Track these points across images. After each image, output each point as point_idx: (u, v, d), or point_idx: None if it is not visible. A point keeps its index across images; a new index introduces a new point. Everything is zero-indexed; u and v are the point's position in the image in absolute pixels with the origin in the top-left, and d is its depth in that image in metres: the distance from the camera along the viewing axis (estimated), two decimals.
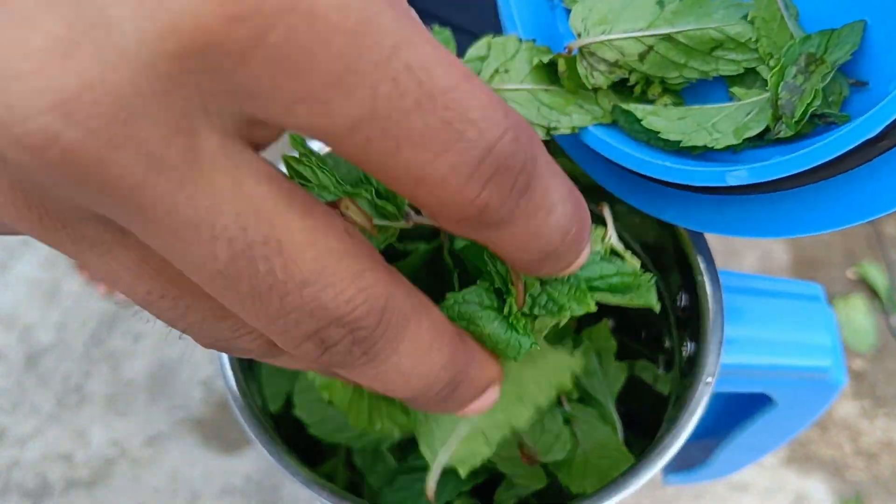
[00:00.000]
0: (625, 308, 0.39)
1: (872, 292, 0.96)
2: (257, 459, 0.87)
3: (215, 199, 0.14)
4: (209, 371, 0.92)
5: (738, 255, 0.99)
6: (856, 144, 0.21)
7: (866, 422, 0.89)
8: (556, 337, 0.34)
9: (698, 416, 0.30)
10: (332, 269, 0.16)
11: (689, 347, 0.32)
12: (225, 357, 0.33)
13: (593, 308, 0.22)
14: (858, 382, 0.91)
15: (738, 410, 0.39)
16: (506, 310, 0.22)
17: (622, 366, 0.35)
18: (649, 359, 0.38)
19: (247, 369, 0.35)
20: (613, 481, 0.29)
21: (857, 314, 0.93)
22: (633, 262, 0.24)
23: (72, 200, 0.15)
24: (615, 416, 0.35)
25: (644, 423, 0.38)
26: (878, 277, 0.96)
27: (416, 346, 0.18)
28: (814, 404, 0.35)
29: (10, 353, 0.94)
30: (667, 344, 0.35)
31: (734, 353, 0.31)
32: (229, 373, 0.33)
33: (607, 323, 0.36)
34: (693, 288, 0.32)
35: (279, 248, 0.15)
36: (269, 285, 0.16)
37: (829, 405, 0.35)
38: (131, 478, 0.87)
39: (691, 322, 0.32)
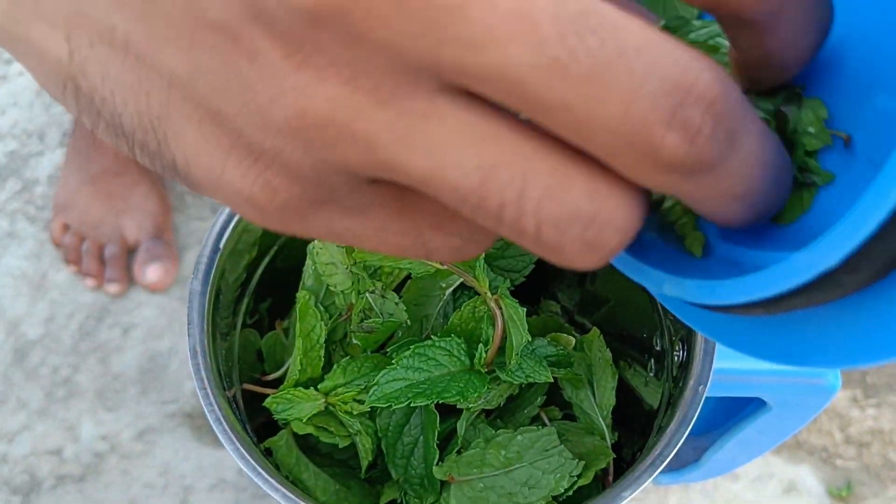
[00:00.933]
0: (615, 313, 0.39)
1: None
2: None
3: None
4: None
5: None
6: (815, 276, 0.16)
7: (856, 411, 0.89)
8: (554, 351, 0.34)
9: (690, 424, 0.29)
10: (652, 34, 0.14)
11: (680, 354, 0.32)
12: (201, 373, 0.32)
13: (550, 378, 0.22)
14: (848, 372, 0.91)
15: (731, 411, 0.38)
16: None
17: (612, 372, 0.35)
18: (639, 363, 0.37)
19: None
20: (611, 489, 0.29)
21: None
22: (569, 341, 0.25)
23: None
24: (603, 425, 0.34)
25: (636, 425, 0.37)
26: None
27: (757, 121, 0.16)
28: (808, 408, 0.34)
29: None
30: (657, 347, 0.35)
31: (728, 358, 0.31)
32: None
33: (597, 332, 0.35)
34: None
35: (598, 19, 0.14)
36: (604, 62, 0.14)
37: (823, 408, 0.35)
38: (122, 472, 0.87)
39: (683, 327, 0.32)
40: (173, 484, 0.86)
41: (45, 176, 1.03)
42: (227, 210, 0.35)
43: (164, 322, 0.94)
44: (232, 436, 0.29)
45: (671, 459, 0.44)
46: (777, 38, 0.18)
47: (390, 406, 0.32)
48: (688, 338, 0.31)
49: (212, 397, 0.29)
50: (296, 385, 0.34)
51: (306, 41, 0.14)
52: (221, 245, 0.35)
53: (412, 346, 0.34)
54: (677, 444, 0.28)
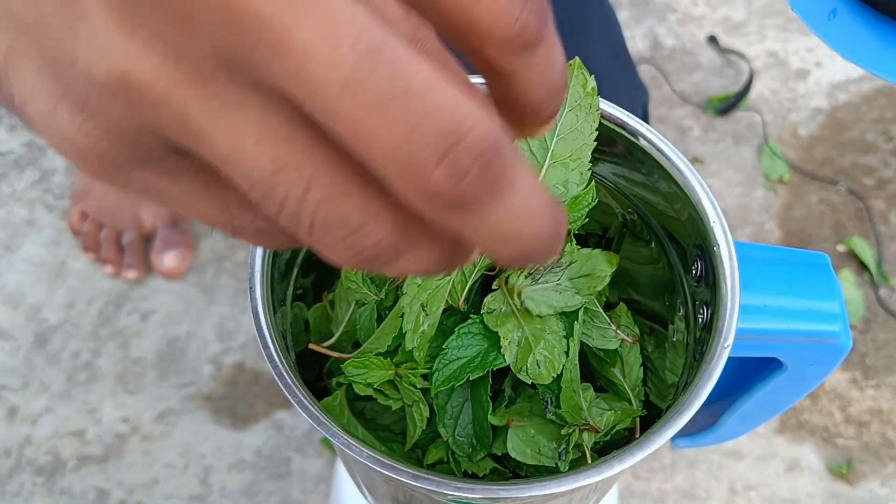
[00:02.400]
0: (636, 285, 0.41)
1: (861, 265, 0.99)
2: (267, 434, 0.90)
3: (330, 16, 0.16)
4: (217, 348, 0.94)
5: (732, 232, 1.01)
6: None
7: (856, 391, 0.92)
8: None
9: (716, 378, 0.32)
10: (443, 83, 0.16)
11: (705, 314, 0.34)
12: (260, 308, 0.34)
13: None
14: (848, 355, 0.94)
15: (747, 376, 0.41)
16: None
17: (638, 347, 0.38)
18: (663, 326, 0.40)
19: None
20: (639, 440, 0.31)
21: (847, 287, 0.96)
22: None
23: (212, 40, 0.16)
24: (630, 393, 0.37)
25: (661, 389, 0.40)
26: (866, 251, 0.98)
27: (529, 177, 0.18)
28: (822, 367, 0.37)
29: (18, 332, 0.95)
30: (680, 312, 0.38)
31: (748, 319, 0.33)
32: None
33: (625, 308, 0.38)
34: (709, 257, 0.34)
35: (394, 57, 0.16)
36: (390, 94, 0.16)
37: (835, 368, 0.37)
38: (143, 453, 0.89)
39: (706, 290, 0.34)
40: (193, 464, 0.89)
41: (62, 166, 1.05)
42: None
43: (181, 308, 0.96)
44: (296, 390, 0.31)
45: (689, 424, 0.47)
46: (523, 83, 0.19)
47: (451, 385, 0.36)
48: (713, 298, 0.34)
49: (275, 355, 0.32)
50: (376, 354, 0.36)
51: (139, 13, 0.16)
52: None
53: (457, 329, 0.36)
54: (705, 391, 0.30)
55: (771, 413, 0.42)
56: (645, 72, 1.14)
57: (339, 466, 0.58)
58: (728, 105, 1.09)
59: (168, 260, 0.96)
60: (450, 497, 0.33)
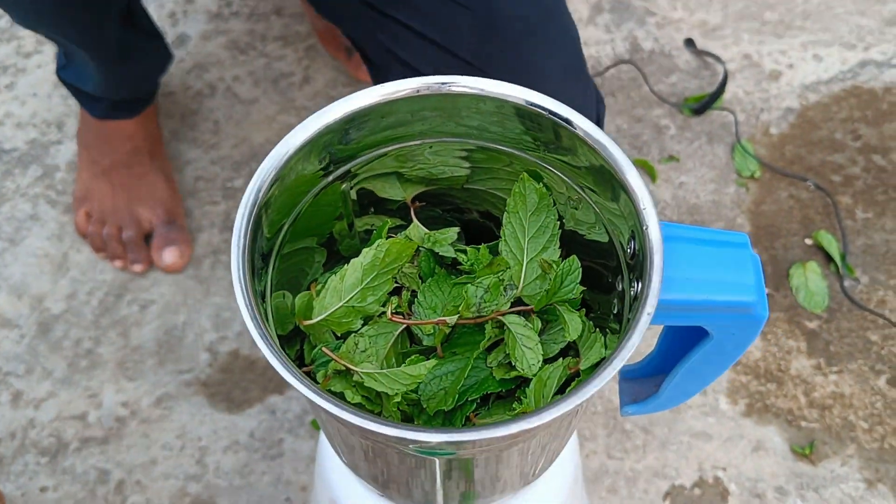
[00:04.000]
0: (588, 258, 0.46)
1: (827, 258, 1.03)
2: (260, 418, 0.94)
3: None
4: (213, 337, 0.99)
5: (705, 226, 1.06)
6: None
7: (820, 377, 0.97)
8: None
9: (636, 339, 0.36)
10: None
11: (636, 287, 0.39)
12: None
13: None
14: (813, 340, 0.99)
15: (681, 348, 0.46)
16: None
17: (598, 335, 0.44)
18: (608, 303, 0.45)
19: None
20: (569, 392, 0.36)
21: (813, 278, 1.01)
22: None
23: None
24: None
25: None
26: (832, 244, 1.03)
27: None
28: (743, 336, 0.41)
29: (22, 321, 1.00)
30: (619, 287, 0.42)
31: (673, 290, 0.38)
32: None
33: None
34: (640, 236, 0.39)
35: None
36: None
37: (757, 337, 0.42)
38: (142, 435, 0.94)
39: (639, 266, 0.39)
40: (190, 446, 0.93)
41: (65, 163, 1.10)
42: (258, 183, 0.42)
43: (179, 298, 1.01)
44: (288, 369, 0.36)
45: (635, 393, 0.51)
46: None
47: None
48: (642, 273, 0.39)
49: (262, 337, 0.37)
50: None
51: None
52: (255, 209, 0.42)
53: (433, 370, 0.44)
54: (632, 345, 0.35)
55: (705, 381, 0.46)
56: (624, 73, 1.18)
57: (322, 441, 0.63)
58: (703, 105, 1.14)
59: (167, 255, 1.01)
60: (414, 445, 0.38)
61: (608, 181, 0.41)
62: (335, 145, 0.45)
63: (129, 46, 0.91)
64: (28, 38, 1.20)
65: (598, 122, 0.79)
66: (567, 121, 0.42)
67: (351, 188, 0.48)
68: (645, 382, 0.50)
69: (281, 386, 0.96)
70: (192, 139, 1.12)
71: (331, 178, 0.47)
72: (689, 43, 1.21)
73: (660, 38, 1.22)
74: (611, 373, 0.35)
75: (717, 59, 1.19)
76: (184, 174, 1.09)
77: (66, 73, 0.97)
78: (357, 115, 0.43)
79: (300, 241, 0.47)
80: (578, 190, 0.45)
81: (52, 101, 1.15)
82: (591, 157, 0.42)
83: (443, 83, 0.43)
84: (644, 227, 0.38)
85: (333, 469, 0.61)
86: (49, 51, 1.18)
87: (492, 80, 0.43)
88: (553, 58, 0.76)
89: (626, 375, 0.51)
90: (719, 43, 1.21)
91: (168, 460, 0.93)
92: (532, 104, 0.42)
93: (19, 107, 1.15)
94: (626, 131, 1.14)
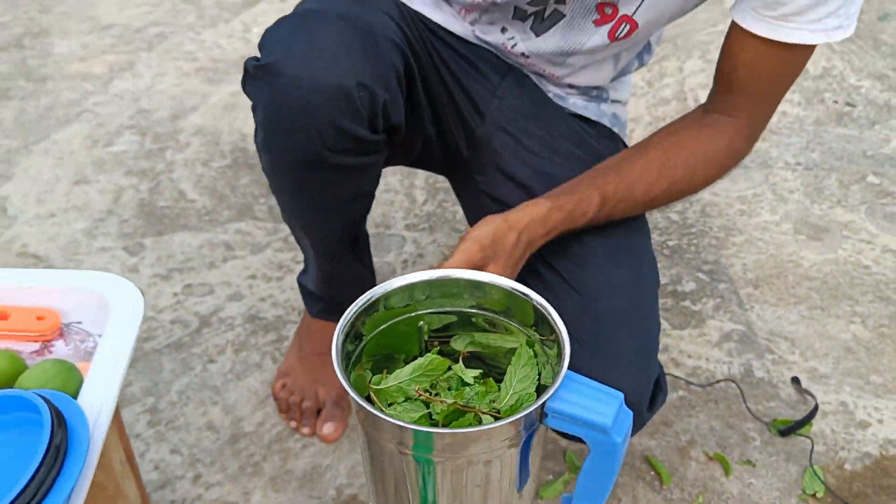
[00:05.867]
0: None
1: None
2: None
3: None
4: (343, 481, 1.29)
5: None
6: None
7: None
8: None
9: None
10: None
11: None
12: None
13: None
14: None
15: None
16: None
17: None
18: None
19: None
20: (498, 421, 0.65)
21: None
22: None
23: None
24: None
25: None
26: None
27: None
28: (610, 454, 0.67)
29: (222, 430, 1.36)
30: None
31: (562, 403, 0.66)
32: None
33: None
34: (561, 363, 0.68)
35: None
36: None
37: (620, 460, 0.67)
38: None
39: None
40: None
41: (291, 335, 1.51)
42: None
43: (330, 449, 1.33)
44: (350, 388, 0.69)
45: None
46: None
47: None
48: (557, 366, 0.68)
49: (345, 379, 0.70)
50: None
51: None
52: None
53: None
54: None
55: (604, 486, 0.71)
56: (731, 389, 1.42)
57: None
58: (789, 428, 1.34)
59: (327, 428, 1.36)
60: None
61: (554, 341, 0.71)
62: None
63: (347, 265, 1.31)
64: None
65: (652, 401, 1.04)
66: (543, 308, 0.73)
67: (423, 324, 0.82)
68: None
69: None
70: None
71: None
72: (795, 380, 1.43)
73: (771, 371, 1.46)
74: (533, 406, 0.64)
75: (814, 398, 1.39)
76: None
77: (303, 278, 1.40)
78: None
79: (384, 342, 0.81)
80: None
81: (299, 296, 1.59)
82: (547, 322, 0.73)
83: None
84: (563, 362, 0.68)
85: None
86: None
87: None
88: (631, 343, 1.03)
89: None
90: (822, 387, 1.42)
91: None
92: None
93: (280, 293, 1.60)
94: (717, 431, 1.36)
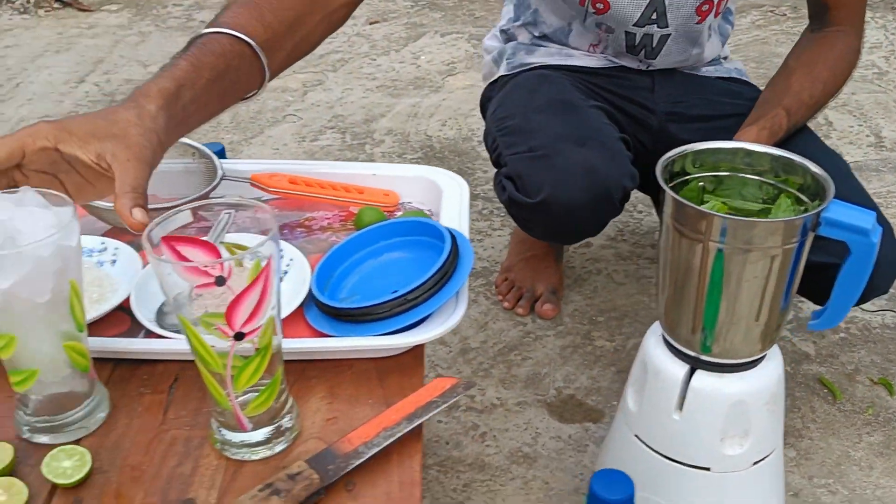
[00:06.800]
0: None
1: None
2: (585, 425, 1.44)
3: None
4: (561, 383, 1.54)
5: None
6: None
7: None
8: None
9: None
10: None
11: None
12: None
13: None
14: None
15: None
16: None
17: None
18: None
19: None
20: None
21: None
22: None
23: None
24: None
25: None
26: None
27: None
28: (867, 255, 0.92)
29: (452, 346, 1.63)
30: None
31: (833, 213, 0.92)
32: None
33: None
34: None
35: None
36: None
37: (874, 258, 0.92)
38: (504, 420, 1.48)
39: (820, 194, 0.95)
40: (529, 430, 1.46)
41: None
42: None
43: (546, 359, 1.59)
44: None
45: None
46: None
47: None
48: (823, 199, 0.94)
49: None
50: None
51: None
52: None
53: None
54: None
55: (851, 295, 0.96)
56: (882, 331, 1.64)
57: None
58: None
59: (546, 307, 1.68)
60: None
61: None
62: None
63: None
64: None
65: (878, 219, 1.13)
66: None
67: None
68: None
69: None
70: None
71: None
72: None
73: None
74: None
75: None
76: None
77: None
78: None
79: None
80: None
81: (500, 252, 1.87)
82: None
83: None
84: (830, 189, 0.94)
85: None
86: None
87: None
88: (855, 197, 1.15)
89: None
90: None
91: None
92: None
93: (483, 251, 1.89)
94: (877, 364, 1.58)
